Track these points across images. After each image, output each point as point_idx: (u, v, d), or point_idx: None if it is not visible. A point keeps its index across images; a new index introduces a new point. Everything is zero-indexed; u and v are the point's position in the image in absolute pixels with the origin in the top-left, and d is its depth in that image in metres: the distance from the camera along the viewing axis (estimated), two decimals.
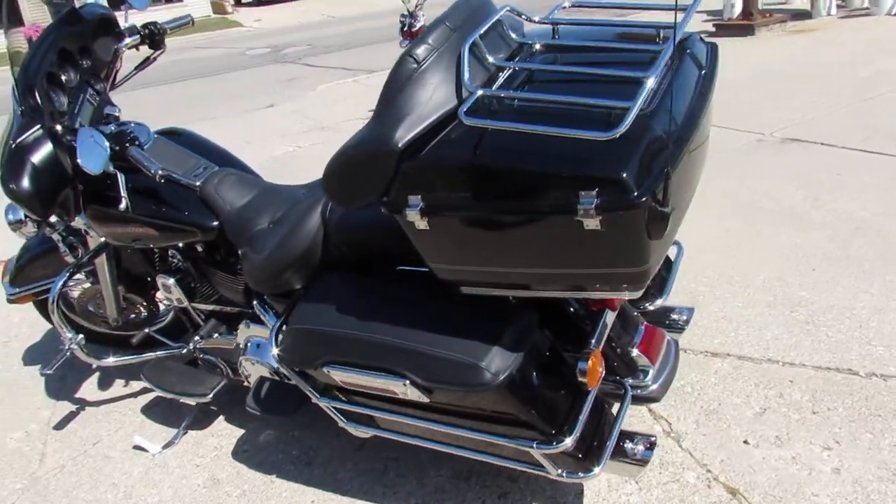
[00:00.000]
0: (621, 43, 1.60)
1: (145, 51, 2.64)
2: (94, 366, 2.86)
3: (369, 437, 2.01)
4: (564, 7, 1.74)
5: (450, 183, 1.42)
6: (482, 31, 1.52)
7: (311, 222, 1.92)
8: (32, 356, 3.28)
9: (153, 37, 2.62)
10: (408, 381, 1.64)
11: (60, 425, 2.76)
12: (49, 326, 3.07)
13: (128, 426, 2.69)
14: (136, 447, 2.54)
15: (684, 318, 2.19)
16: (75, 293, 2.87)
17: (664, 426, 2.28)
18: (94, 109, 2.36)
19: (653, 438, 1.78)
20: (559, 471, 1.66)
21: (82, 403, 2.88)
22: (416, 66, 1.46)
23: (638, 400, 1.86)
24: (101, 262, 2.51)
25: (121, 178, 2.15)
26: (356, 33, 13.47)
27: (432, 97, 1.45)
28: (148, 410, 2.75)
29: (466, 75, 1.45)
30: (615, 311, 1.78)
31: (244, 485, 2.29)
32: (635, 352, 1.85)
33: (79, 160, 1.95)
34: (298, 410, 2.13)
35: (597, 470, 1.67)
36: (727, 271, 3.11)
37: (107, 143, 2.02)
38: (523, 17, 1.69)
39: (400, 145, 1.42)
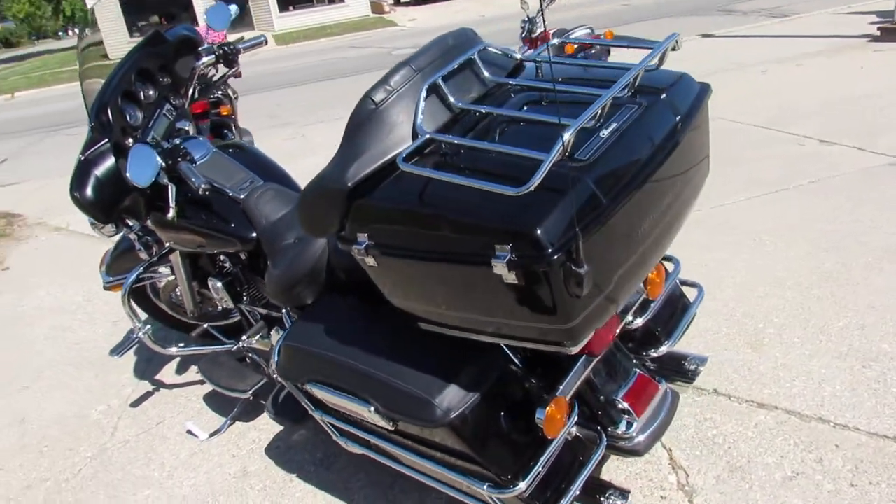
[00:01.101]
0: (590, 88, 1.53)
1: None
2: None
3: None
4: (554, 44, 1.69)
5: (390, 225, 1.45)
6: (447, 73, 1.53)
7: (319, 243, 2.01)
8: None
9: (227, 57, 2.83)
10: (372, 408, 1.68)
11: (136, 403, 3.07)
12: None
13: (188, 411, 2.95)
14: (189, 432, 2.78)
15: (693, 367, 2.05)
16: (161, 283, 3.18)
17: (681, 477, 2.16)
18: (168, 124, 2.59)
19: (627, 493, 1.70)
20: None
21: (159, 385, 3.19)
22: (373, 107, 1.50)
23: (620, 452, 1.78)
24: (176, 260, 2.76)
25: (172, 190, 2.36)
26: (498, 34, 13.46)
27: (388, 138, 1.49)
28: (208, 398, 2.99)
29: (420, 118, 1.46)
30: (596, 357, 1.71)
31: (267, 480, 2.44)
32: (620, 401, 1.77)
33: (127, 174, 2.17)
34: (305, 420, 2.23)
35: None
36: (803, 313, 2.85)
37: (158, 159, 2.23)
38: (509, 54, 1.67)
39: (350, 184, 1.47)
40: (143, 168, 2.20)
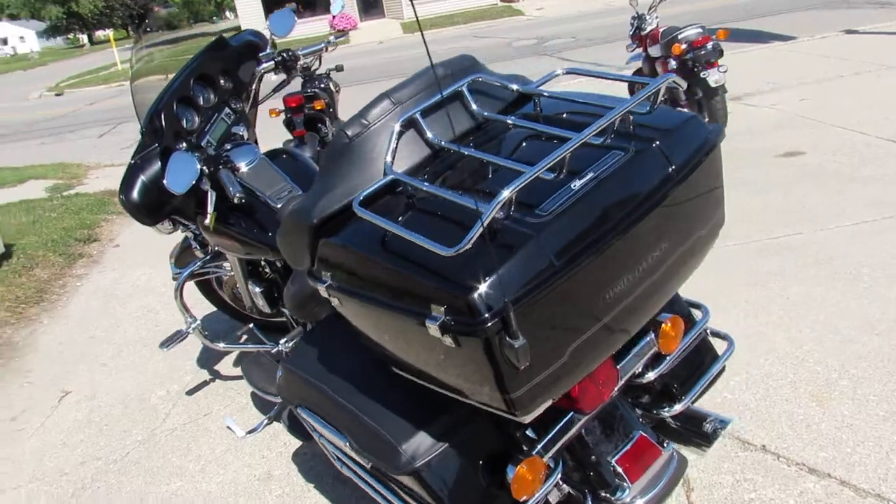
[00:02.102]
0: (573, 132, 1.38)
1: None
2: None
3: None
4: (557, 75, 1.55)
5: (348, 268, 1.38)
6: (428, 106, 1.44)
7: None
8: (205, 323, 3.81)
9: (286, 63, 2.86)
10: (348, 444, 1.64)
11: (191, 391, 3.21)
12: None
13: (234, 405, 3.04)
14: (228, 427, 2.86)
15: (712, 429, 1.83)
16: (226, 276, 3.29)
17: None
18: (225, 128, 2.65)
19: None
20: None
21: (215, 376, 3.32)
22: (346, 141, 1.43)
23: None
24: (232, 259, 2.84)
25: (211, 196, 2.40)
26: (622, 26, 12.99)
27: (359, 175, 1.42)
28: (254, 396, 3.07)
29: (389, 156, 1.38)
30: (586, 415, 1.57)
31: (287, 486, 2.47)
32: (614, 464, 1.61)
33: (164, 181, 2.23)
34: (311, 439, 2.22)
35: None
36: (887, 366, 2.52)
37: (197, 167, 2.28)
38: (507, 86, 1.55)
39: (315, 221, 1.42)
40: (180, 175, 2.25)
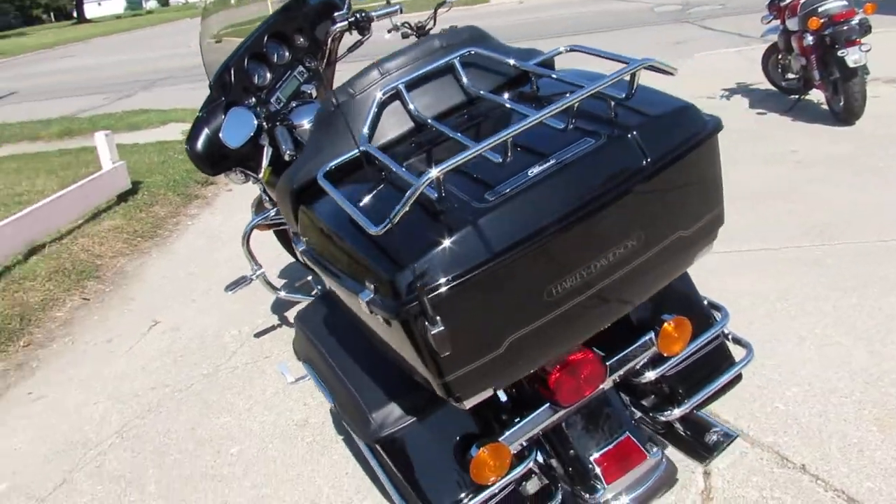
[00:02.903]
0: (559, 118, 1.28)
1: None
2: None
3: None
4: (561, 52, 1.46)
5: (315, 236, 1.39)
6: (414, 79, 1.40)
7: None
8: (286, 271, 4.00)
9: (359, 23, 2.88)
10: (332, 404, 1.68)
11: (259, 334, 3.40)
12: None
13: (290, 352, 3.18)
14: (280, 372, 3.00)
15: (715, 441, 1.69)
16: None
17: None
18: (297, 86, 2.73)
19: None
20: None
21: (283, 322, 3.48)
22: (332, 108, 1.43)
23: None
24: None
25: (266, 152, 2.49)
26: None
27: (339, 143, 1.42)
28: None
29: (366, 129, 1.37)
30: (565, 408, 1.50)
31: (318, 435, 2.58)
32: (592, 462, 1.54)
33: (221, 133, 2.34)
34: None
35: None
36: None
37: (254, 122, 2.37)
38: (508, 61, 1.47)
39: (295, 186, 1.43)
40: (236, 129, 2.35)
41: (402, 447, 1.49)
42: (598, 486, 1.52)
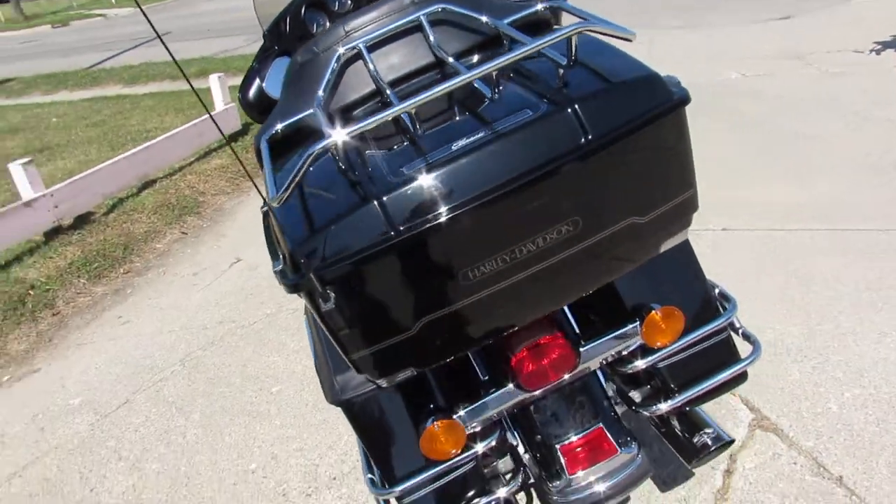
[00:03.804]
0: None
1: None
2: None
3: None
4: (538, 9, 1.32)
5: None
6: (377, 39, 1.33)
7: None
8: None
9: None
10: (313, 361, 1.70)
11: None
12: None
13: None
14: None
15: (701, 442, 1.52)
16: None
17: None
18: None
19: None
20: None
21: None
22: (297, 68, 1.39)
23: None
24: None
25: None
26: None
27: (300, 102, 1.38)
28: None
29: (321, 90, 1.32)
30: (529, 392, 1.42)
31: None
32: (557, 450, 1.46)
33: (264, 83, 2.37)
34: None
35: None
36: None
37: None
38: (481, 18, 1.35)
39: (260, 142, 1.42)
40: (279, 80, 2.37)
41: (361, 412, 1.47)
42: (561, 475, 1.44)
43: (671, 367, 1.50)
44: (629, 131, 1.07)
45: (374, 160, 1.14)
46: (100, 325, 3.53)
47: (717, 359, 1.50)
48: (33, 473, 2.51)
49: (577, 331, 1.52)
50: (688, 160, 1.16)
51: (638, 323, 1.43)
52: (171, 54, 1.05)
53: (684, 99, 1.10)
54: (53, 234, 4.32)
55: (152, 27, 0.97)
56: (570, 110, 1.07)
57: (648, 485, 1.93)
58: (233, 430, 2.50)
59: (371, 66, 1.33)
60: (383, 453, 1.47)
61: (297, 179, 1.01)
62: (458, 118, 1.18)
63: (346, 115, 1.38)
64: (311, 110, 1.30)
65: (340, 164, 1.13)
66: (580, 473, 1.43)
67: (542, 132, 1.07)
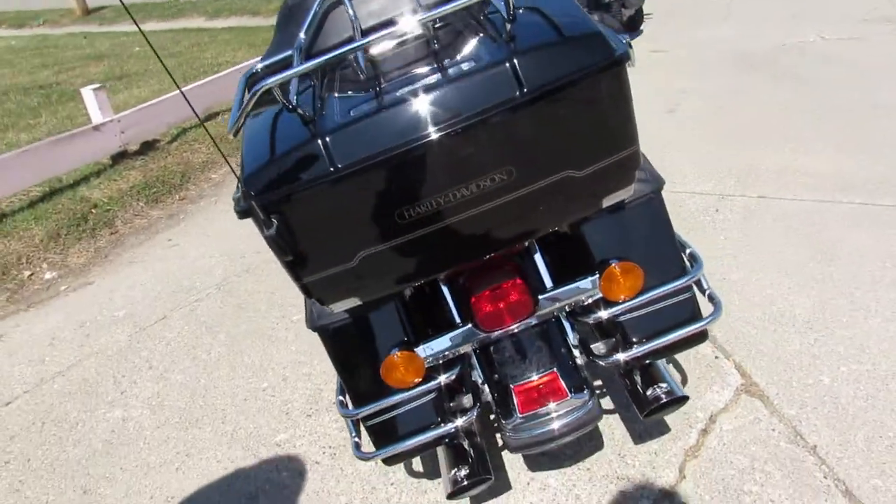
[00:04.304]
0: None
1: None
2: None
3: None
4: None
5: None
6: None
7: None
8: None
9: None
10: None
11: None
12: None
13: None
14: None
15: (653, 395, 1.56)
16: None
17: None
18: None
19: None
20: (353, 435, 1.64)
21: None
22: (286, 10, 1.46)
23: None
24: None
25: None
26: None
27: (286, 44, 1.46)
28: None
29: (302, 33, 1.39)
30: (484, 332, 1.50)
31: None
32: (511, 390, 1.53)
33: None
34: None
35: (375, 458, 1.59)
36: None
37: None
38: None
39: (244, 75, 1.51)
40: None
41: (333, 338, 1.58)
42: (513, 413, 1.52)
43: (631, 320, 1.54)
44: (563, 86, 1.10)
45: (332, 102, 1.22)
46: (151, 245, 3.78)
47: (678, 317, 1.54)
48: (74, 374, 2.77)
49: (548, 278, 1.58)
50: (628, 118, 1.19)
51: (597, 276, 1.47)
52: None
53: (622, 57, 1.12)
54: (119, 158, 4.59)
55: None
56: (507, 63, 1.11)
57: (623, 436, 1.99)
58: (252, 352, 2.68)
59: (350, 11, 1.39)
60: (352, 378, 1.59)
61: (240, 115, 1.10)
62: (410, 67, 1.24)
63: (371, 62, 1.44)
64: (289, 52, 1.38)
65: (300, 105, 1.21)
66: (530, 413, 1.51)
67: (479, 83, 1.12)
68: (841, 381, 2.06)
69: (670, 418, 2.02)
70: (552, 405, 1.51)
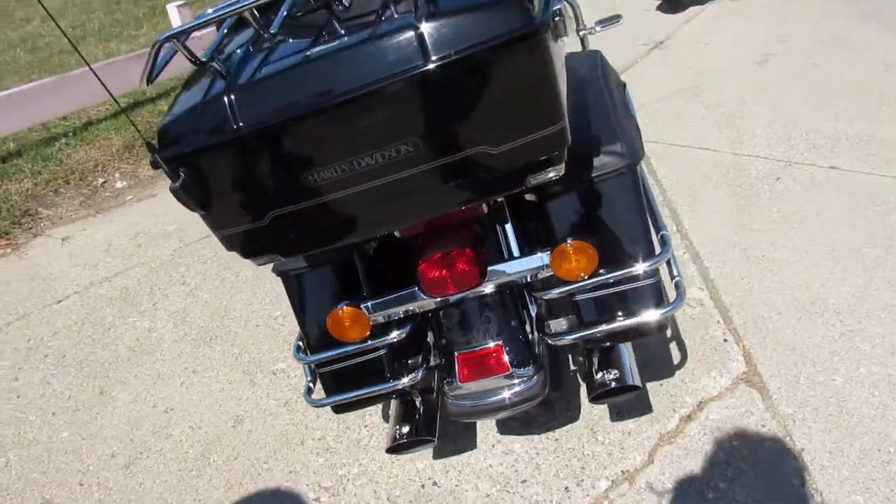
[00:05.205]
0: None
1: None
2: None
3: None
4: None
5: None
6: None
7: None
8: None
9: None
10: None
11: None
12: None
13: None
14: None
15: (606, 380, 1.47)
16: None
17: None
18: None
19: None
20: (308, 380, 1.67)
21: None
22: None
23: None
24: None
25: None
26: None
27: None
28: None
29: None
30: (430, 297, 1.46)
31: None
32: (455, 356, 1.50)
33: None
34: None
35: (323, 404, 1.62)
36: None
37: None
38: None
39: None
40: None
41: (294, 284, 1.60)
42: (454, 381, 1.50)
43: (587, 301, 1.47)
44: (470, 57, 1.02)
45: (248, 60, 1.19)
46: None
47: (636, 303, 1.45)
48: (119, 282, 2.97)
49: (517, 249, 1.53)
50: (552, 93, 1.08)
51: (549, 252, 1.40)
52: None
53: (540, 27, 1.02)
54: None
55: None
56: (413, 30, 1.04)
57: (601, 412, 1.92)
58: (275, 282, 2.76)
59: None
60: (308, 325, 1.61)
61: (146, 67, 1.10)
62: (325, 28, 1.19)
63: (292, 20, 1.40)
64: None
65: (220, 63, 1.20)
66: (470, 383, 1.48)
67: (383, 49, 1.06)
68: (855, 384, 1.88)
69: (655, 399, 1.94)
70: (493, 378, 1.47)
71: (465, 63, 1.03)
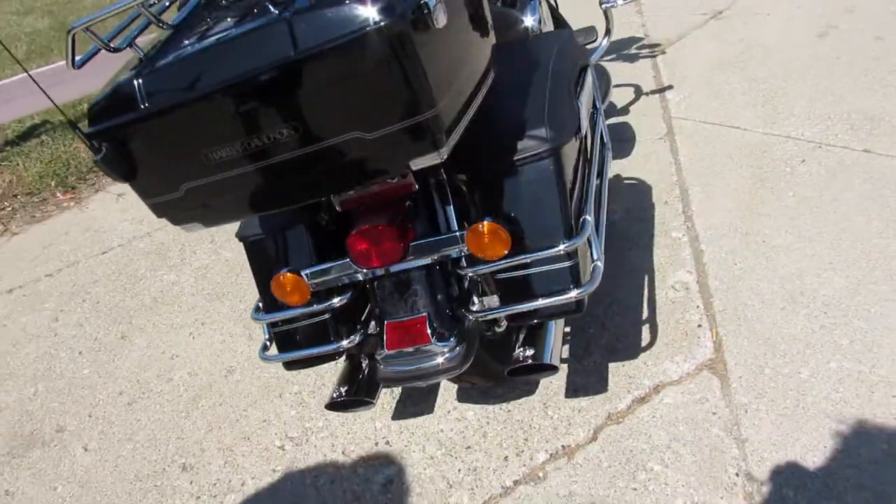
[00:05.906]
0: None
1: None
2: None
3: None
4: None
5: None
6: None
7: None
8: None
9: None
10: None
11: None
12: None
13: None
14: None
15: (521, 357, 1.50)
16: None
17: None
18: None
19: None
20: (266, 338, 1.79)
21: None
22: None
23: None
24: None
25: None
26: None
27: None
28: None
29: None
30: (360, 269, 1.55)
31: None
32: (384, 326, 1.59)
33: None
34: None
35: (273, 360, 1.74)
36: None
37: None
38: None
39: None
40: None
41: (252, 249, 1.73)
42: (381, 348, 1.59)
43: (507, 280, 1.52)
44: (336, 49, 1.08)
45: (162, 48, 1.30)
46: None
47: (550, 284, 1.48)
48: (157, 237, 3.21)
49: (455, 225, 1.59)
50: (420, 81, 1.13)
51: (465, 231, 1.46)
52: None
53: (400, 19, 1.06)
54: None
55: None
56: (287, 22, 1.11)
57: (558, 387, 1.96)
58: None
59: None
60: (264, 288, 1.74)
61: (68, 52, 1.22)
62: (231, 15, 1.27)
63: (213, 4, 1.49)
64: None
65: (137, 49, 1.31)
66: (394, 351, 1.57)
67: (261, 41, 1.14)
68: (821, 378, 1.84)
69: (613, 379, 1.96)
70: (415, 347, 1.55)
71: (329, 55, 1.09)
